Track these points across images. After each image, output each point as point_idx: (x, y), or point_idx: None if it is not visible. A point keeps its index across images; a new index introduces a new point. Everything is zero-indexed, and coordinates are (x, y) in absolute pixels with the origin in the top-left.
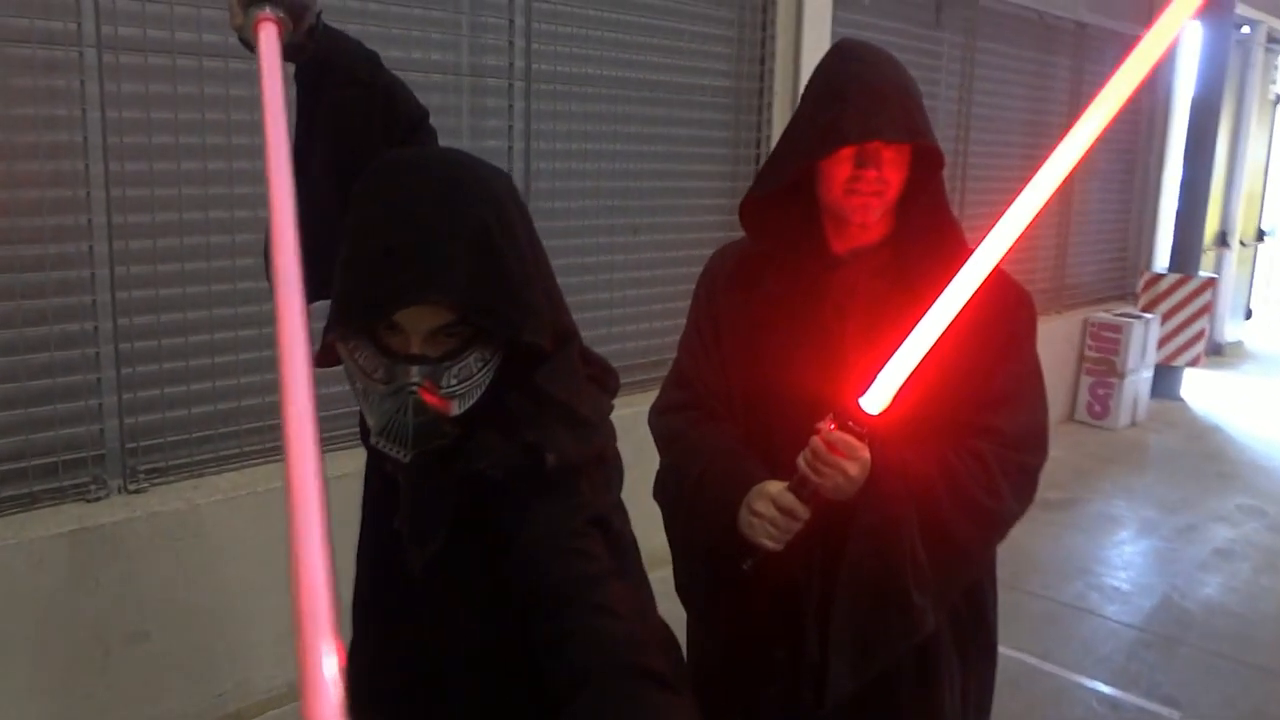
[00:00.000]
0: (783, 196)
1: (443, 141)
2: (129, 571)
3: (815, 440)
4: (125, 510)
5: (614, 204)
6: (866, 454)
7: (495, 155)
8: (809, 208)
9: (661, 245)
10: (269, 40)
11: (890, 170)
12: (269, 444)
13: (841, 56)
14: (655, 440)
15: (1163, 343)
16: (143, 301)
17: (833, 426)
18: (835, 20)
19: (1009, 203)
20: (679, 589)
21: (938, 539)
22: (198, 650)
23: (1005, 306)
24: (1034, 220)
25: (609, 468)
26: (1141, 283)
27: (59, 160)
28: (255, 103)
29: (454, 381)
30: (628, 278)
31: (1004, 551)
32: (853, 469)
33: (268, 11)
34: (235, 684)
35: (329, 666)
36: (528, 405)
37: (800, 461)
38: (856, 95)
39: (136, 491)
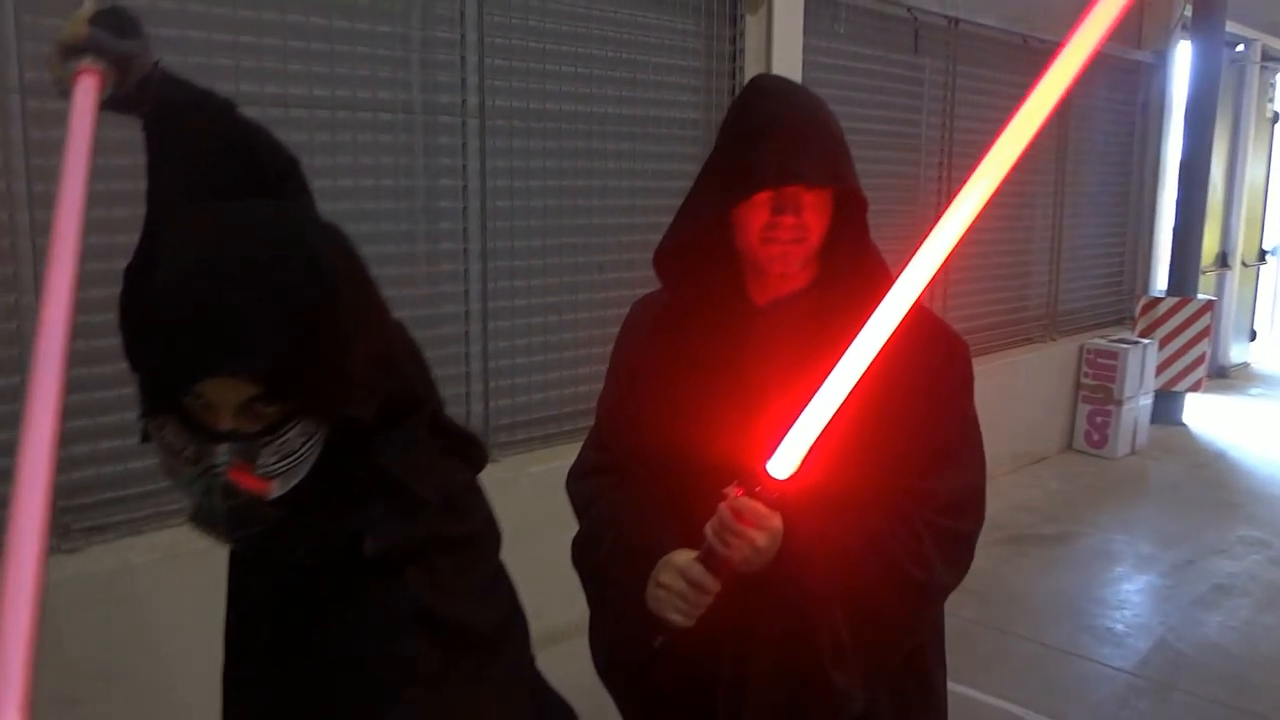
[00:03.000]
0: (700, 243)
1: (396, 182)
2: (59, 635)
3: (722, 508)
4: (56, 571)
5: (577, 241)
6: (777, 522)
7: (449, 194)
8: (728, 254)
9: (630, 283)
10: (85, 94)
11: (811, 215)
12: None
13: (757, 94)
14: (572, 506)
15: (1162, 368)
16: (75, 354)
17: (739, 492)
18: (807, 48)
19: (987, 228)
20: (596, 666)
21: (861, 614)
22: (132, 716)
23: (938, 359)
24: (944, 263)
25: (466, 549)
26: (1139, 307)
27: None
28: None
29: (273, 460)
30: (594, 317)
31: (991, 591)
32: (761, 539)
33: (89, 62)
34: None
35: None
36: (356, 484)
37: (708, 530)
38: (773, 136)
39: (70, 551)
